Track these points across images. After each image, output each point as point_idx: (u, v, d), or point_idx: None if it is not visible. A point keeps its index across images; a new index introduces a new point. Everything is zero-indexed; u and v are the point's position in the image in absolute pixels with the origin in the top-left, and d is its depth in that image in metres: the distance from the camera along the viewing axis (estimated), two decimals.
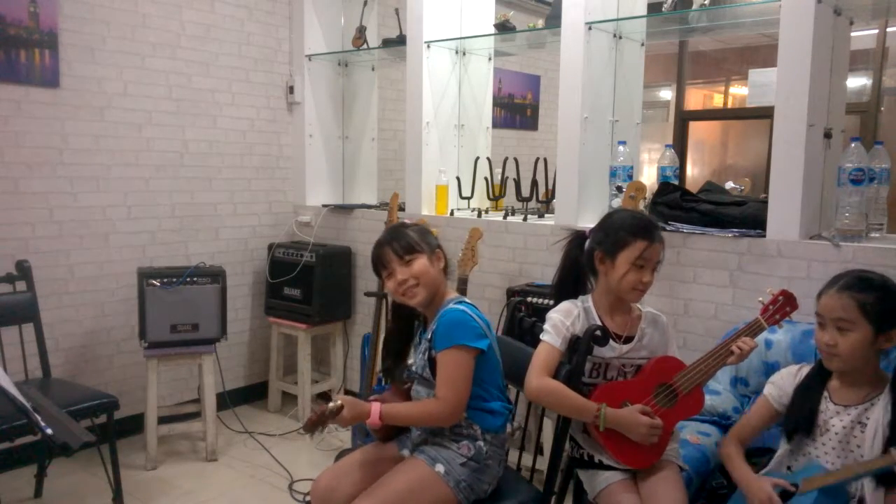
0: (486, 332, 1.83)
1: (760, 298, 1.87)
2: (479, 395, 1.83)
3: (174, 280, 3.14)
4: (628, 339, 1.87)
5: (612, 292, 1.86)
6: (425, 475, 1.79)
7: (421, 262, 1.86)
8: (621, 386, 1.83)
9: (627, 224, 1.83)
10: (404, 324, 2.01)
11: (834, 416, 1.70)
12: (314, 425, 1.72)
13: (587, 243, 1.91)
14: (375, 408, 1.78)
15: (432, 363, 1.83)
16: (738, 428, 1.89)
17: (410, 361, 1.96)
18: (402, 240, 1.88)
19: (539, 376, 1.79)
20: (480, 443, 1.83)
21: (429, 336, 1.87)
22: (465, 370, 1.78)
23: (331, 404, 1.72)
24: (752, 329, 1.82)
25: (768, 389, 1.85)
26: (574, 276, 1.96)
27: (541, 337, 1.86)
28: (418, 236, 1.90)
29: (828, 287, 1.72)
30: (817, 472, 1.65)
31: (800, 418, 1.73)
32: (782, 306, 1.83)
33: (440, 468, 1.79)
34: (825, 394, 1.74)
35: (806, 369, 1.81)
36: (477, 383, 1.82)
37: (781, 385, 1.83)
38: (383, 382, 2.12)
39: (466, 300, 1.90)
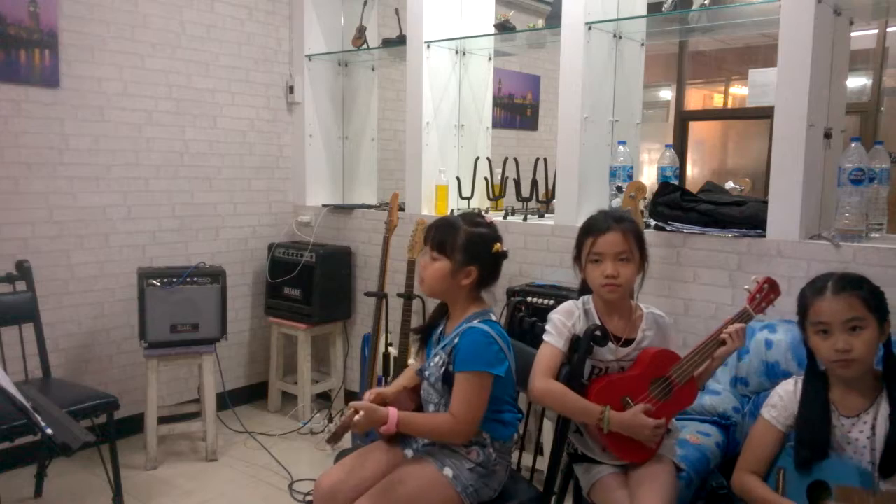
0: (505, 354, 1.80)
1: (746, 286, 1.88)
2: (491, 407, 1.80)
3: (174, 280, 3.14)
4: (628, 342, 1.86)
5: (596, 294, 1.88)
6: (433, 477, 1.78)
7: (439, 267, 1.81)
8: (618, 381, 1.83)
9: (580, 230, 1.89)
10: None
11: (852, 429, 1.65)
12: (338, 438, 1.70)
13: None
14: (393, 415, 1.72)
15: (447, 376, 1.80)
16: (747, 462, 1.78)
17: (424, 362, 1.93)
18: (441, 236, 1.82)
19: (543, 378, 1.80)
20: (490, 449, 1.82)
21: (446, 348, 1.82)
22: (483, 393, 1.75)
23: (348, 411, 1.70)
24: (741, 318, 1.83)
25: (770, 413, 1.76)
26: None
27: (543, 338, 1.86)
28: (463, 241, 1.80)
29: (817, 294, 1.65)
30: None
31: (817, 443, 1.65)
32: (767, 294, 1.84)
33: (448, 472, 1.78)
34: (832, 408, 1.68)
35: (801, 383, 1.75)
36: (489, 398, 1.80)
37: (783, 406, 1.75)
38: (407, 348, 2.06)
39: (491, 317, 1.84)
